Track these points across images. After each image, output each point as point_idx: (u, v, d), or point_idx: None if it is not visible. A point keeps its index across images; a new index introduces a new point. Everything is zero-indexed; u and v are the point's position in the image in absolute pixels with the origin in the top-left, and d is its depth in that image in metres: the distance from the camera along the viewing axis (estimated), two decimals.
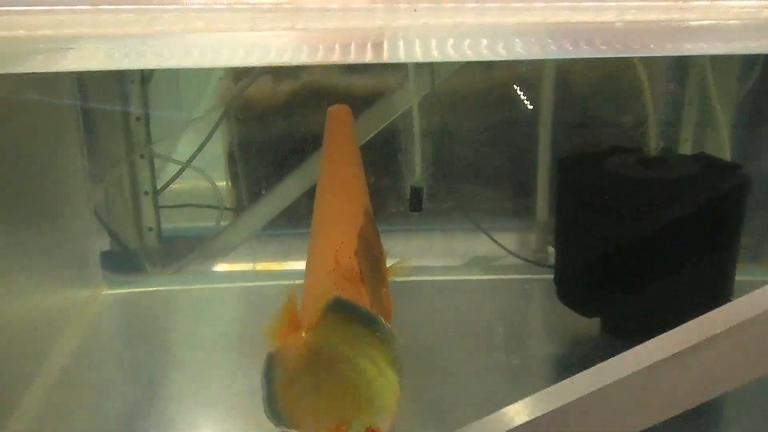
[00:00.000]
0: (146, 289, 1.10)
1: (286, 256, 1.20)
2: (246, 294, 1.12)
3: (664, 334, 0.51)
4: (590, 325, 0.94)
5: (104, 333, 1.01)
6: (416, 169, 1.07)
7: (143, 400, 0.84)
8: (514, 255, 1.15)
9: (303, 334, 0.55)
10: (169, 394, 0.86)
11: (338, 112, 0.86)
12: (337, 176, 0.84)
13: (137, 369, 0.91)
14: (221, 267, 1.18)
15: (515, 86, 1.13)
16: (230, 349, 0.95)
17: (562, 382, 0.52)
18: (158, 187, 1.15)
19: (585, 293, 0.95)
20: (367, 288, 0.65)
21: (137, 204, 1.14)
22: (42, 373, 0.87)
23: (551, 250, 1.16)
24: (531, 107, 1.12)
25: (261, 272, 1.20)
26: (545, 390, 0.53)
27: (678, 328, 0.50)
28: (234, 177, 1.18)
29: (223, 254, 1.16)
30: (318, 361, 0.55)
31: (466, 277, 1.15)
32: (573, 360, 0.92)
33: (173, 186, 1.16)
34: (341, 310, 0.55)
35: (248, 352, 0.84)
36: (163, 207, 1.16)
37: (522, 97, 1.11)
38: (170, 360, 0.93)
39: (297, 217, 1.13)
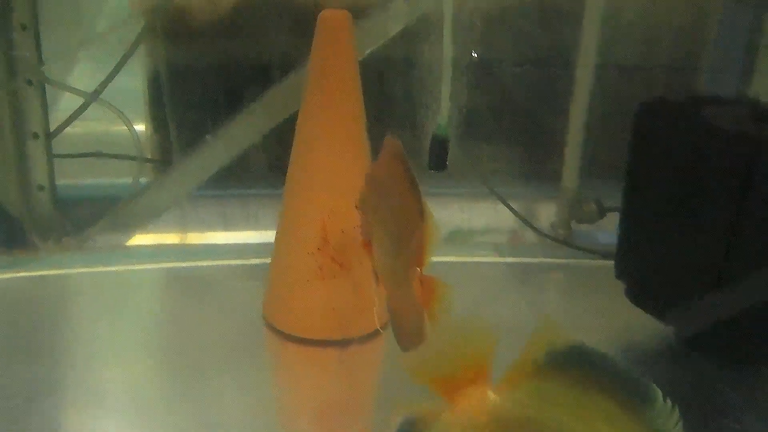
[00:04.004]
0: (34, 273, 0.92)
1: (228, 226, 1.07)
2: (174, 278, 0.94)
3: None
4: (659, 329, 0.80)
5: None
6: (442, 113, 0.80)
7: None
8: (539, 232, 1.01)
9: (489, 394, 0.39)
10: None
11: (334, 19, 0.70)
12: (330, 110, 0.71)
13: (15, 399, 0.68)
14: (140, 240, 1.03)
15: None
16: (152, 368, 0.74)
17: None
18: (52, 129, 1.00)
19: (657, 291, 0.79)
20: (379, 259, 0.53)
21: (21, 152, 0.99)
22: None
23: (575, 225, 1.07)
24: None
25: (194, 247, 1.07)
26: None
27: None
28: (157, 117, 1.06)
29: (143, 223, 1.01)
30: None
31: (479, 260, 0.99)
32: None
33: (73, 128, 1.02)
34: (571, 361, 0.37)
35: (181, 371, 0.72)
36: (59, 156, 1.01)
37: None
38: (63, 382, 0.70)
39: (246, 173, 1.03)
